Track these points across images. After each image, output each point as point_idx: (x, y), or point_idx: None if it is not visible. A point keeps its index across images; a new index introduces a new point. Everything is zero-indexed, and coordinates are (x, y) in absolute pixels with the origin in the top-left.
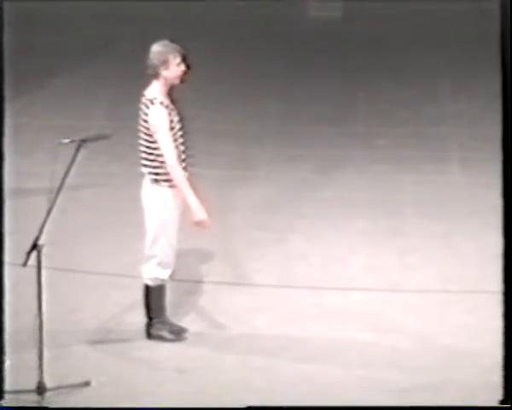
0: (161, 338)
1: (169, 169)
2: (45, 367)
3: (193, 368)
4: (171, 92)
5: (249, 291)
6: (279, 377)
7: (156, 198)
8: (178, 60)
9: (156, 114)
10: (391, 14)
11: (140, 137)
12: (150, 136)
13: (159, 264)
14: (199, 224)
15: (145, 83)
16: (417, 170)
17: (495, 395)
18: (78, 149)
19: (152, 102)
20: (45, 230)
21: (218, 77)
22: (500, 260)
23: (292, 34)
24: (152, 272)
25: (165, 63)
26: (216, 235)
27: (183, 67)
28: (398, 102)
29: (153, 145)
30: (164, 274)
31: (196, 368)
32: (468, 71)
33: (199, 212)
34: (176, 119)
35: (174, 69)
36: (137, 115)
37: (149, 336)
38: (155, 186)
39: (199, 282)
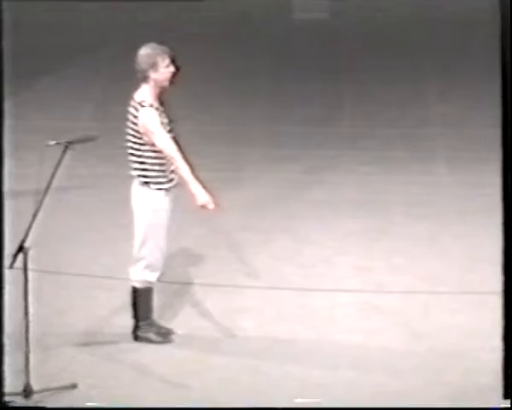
0: (148, 340)
1: (172, 162)
2: (32, 370)
3: (180, 370)
4: (161, 95)
5: (237, 293)
6: (266, 378)
7: (145, 200)
8: (167, 61)
9: (146, 116)
10: (378, 15)
11: (128, 140)
12: (140, 138)
13: (147, 266)
14: (204, 207)
15: (132, 84)
16: (405, 171)
17: (484, 396)
18: (64, 151)
19: (141, 105)
20: (32, 232)
21: (206, 78)
22: (487, 261)
23: (279, 35)
24: (140, 275)
25: (153, 66)
26: (204, 236)
27: (171, 69)
28: (386, 103)
29: (142, 148)
30: (152, 277)
31: (184, 370)
32: (456, 72)
33: (201, 195)
34: (165, 121)
35: (163, 71)
36: (124, 117)
37: (136, 338)
38: (145, 188)
39: (186, 284)
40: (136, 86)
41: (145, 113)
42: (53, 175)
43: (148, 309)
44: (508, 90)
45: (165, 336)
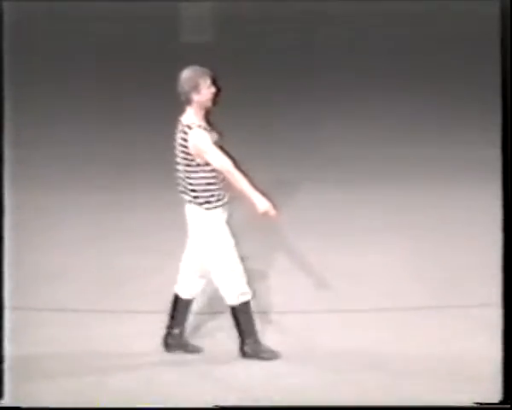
0: (257, 356)
1: (229, 177)
2: None
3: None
4: (207, 116)
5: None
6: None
7: (208, 221)
8: (208, 82)
9: (196, 137)
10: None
11: (180, 164)
12: (192, 160)
13: (235, 280)
14: (265, 214)
15: (35, 104)
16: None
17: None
18: None
19: (190, 127)
20: None
21: None
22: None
23: (166, 58)
24: (235, 291)
25: (195, 88)
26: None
27: (213, 90)
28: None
29: (195, 169)
30: (243, 284)
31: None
32: None
33: (262, 203)
34: (215, 139)
35: (205, 92)
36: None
37: (245, 354)
38: (202, 210)
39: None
40: (183, 112)
41: (195, 134)
42: None
43: (252, 324)
44: (508, 95)
45: (271, 353)
